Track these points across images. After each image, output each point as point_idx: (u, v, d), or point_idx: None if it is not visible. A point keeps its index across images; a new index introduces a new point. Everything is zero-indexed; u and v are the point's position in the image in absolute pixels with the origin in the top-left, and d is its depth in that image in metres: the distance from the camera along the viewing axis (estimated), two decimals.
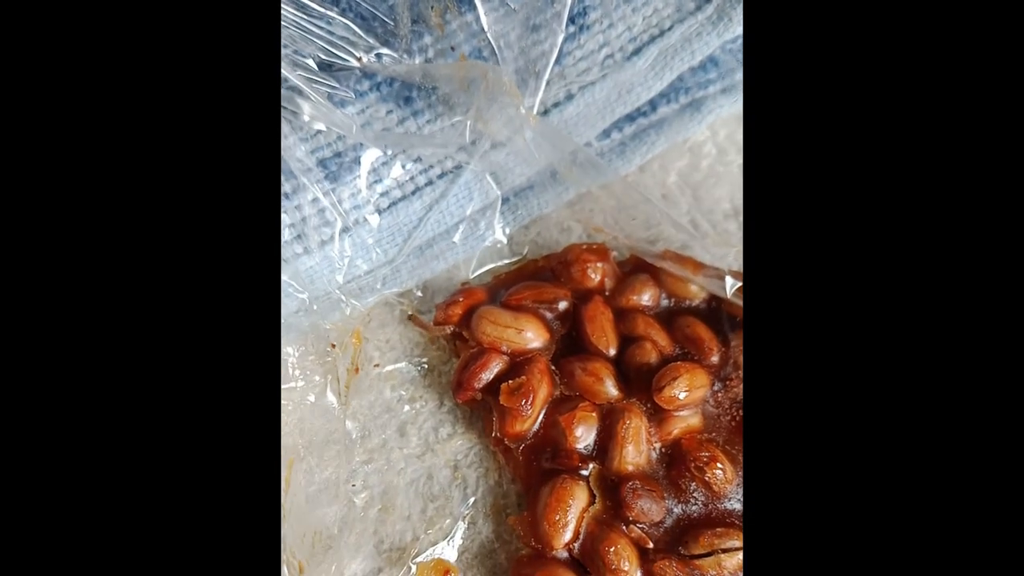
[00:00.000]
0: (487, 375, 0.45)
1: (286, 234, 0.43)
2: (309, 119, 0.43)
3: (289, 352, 0.38)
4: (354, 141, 0.45)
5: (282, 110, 0.42)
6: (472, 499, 0.44)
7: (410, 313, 0.48)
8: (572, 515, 0.42)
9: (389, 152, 0.46)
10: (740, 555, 0.42)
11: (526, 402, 0.43)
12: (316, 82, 0.43)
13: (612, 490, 0.43)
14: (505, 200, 0.49)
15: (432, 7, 0.45)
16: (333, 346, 0.40)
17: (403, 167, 0.46)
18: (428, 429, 0.46)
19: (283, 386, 0.37)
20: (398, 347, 0.47)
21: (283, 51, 0.42)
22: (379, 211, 0.46)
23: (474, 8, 0.45)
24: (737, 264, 0.47)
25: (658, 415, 0.44)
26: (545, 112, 0.48)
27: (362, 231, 0.46)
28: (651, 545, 0.42)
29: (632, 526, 0.42)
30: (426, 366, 0.47)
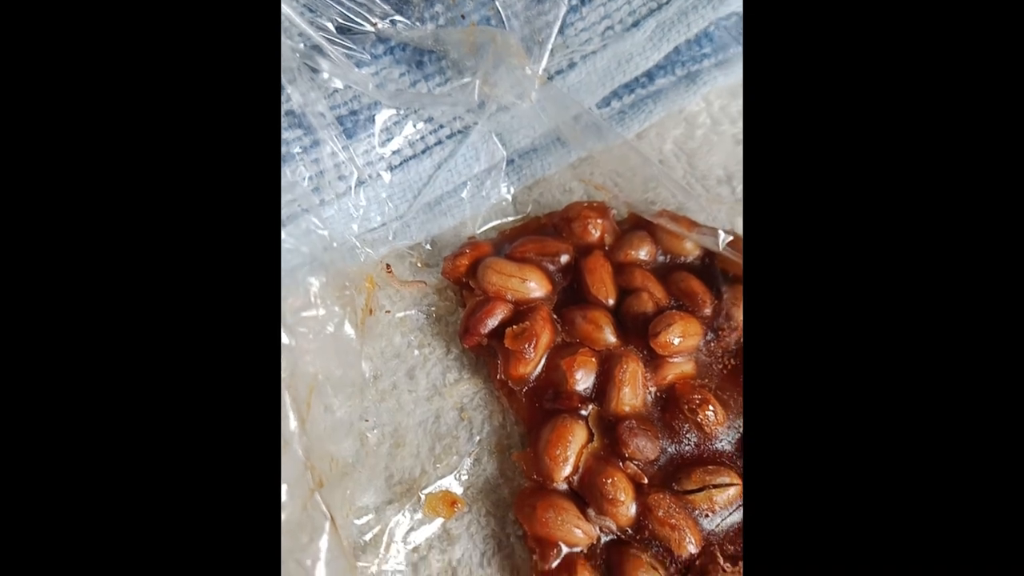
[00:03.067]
0: (492, 321, 0.47)
1: (306, 184, 0.46)
2: (328, 76, 0.46)
3: (311, 282, 0.41)
4: (370, 99, 0.48)
5: (303, 67, 0.44)
6: (477, 439, 0.47)
7: (387, 263, 0.50)
8: (572, 451, 0.44)
9: (401, 112, 0.49)
10: (731, 490, 0.44)
11: (529, 346, 0.46)
12: (335, 43, 0.46)
13: (610, 430, 0.45)
14: (510, 161, 0.52)
15: None
16: (346, 286, 0.43)
17: (414, 127, 0.49)
18: (436, 374, 0.48)
19: (304, 314, 0.40)
20: (407, 296, 0.50)
21: (305, 14, 0.45)
22: (391, 168, 0.49)
23: None
24: (729, 223, 0.50)
25: (654, 361, 0.47)
26: (549, 79, 0.51)
27: (376, 186, 0.48)
28: (646, 481, 0.44)
29: (628, 463, 0.44)
30: (434, 315, 0.50)
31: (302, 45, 0.44)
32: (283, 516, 0.34)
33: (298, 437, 0.36)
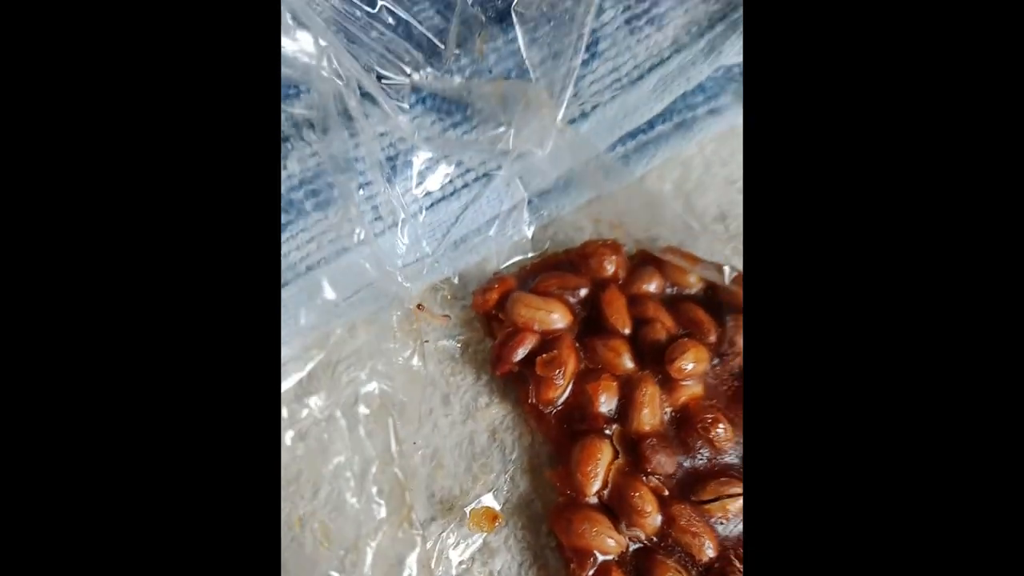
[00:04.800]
0: (522, 351, 0.52)
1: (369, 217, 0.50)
2: (377, 121, 0.49)
3: (393, 316, 0.44)
4: (405, 145, 0.52)
5: (361, 111, 0.48)
6: (511, 458, 0.51)
7: (419, 303, 0.54)
8: (601, 467, 0.49)
9: (434, 157, 0.53)
10: (740, 500, 0.50)
11: (559, 372, 0.50)
12: (383, 91, 0.50)
13: (632, 447, 0.50)
14: (529, 202, 0.57)
15: (479, 34, 0.52)
16: (414, 319, 0.46)
17: (445, 171, 0.53)
18: (468, 399, 0.52)
19: (384, 345, 0.43)
20: (438, 328, 0.54)
21: (354, 62, 0.49)
22: (422, 209, 0.53)
23: (508, 35, 0.53)
24: (725, 257, 0.56)
25: (668, 384, 0.52)
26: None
27: (413, 225, 0.52)
28: (666, 493, 0.49)
29: (650, 477, 0.49)
30: (463, 344, 0.54)
31: (359, 91, 0.48)
32: (376, 539, 0.37)
33: (397, 459, 0.40)
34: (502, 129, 0.52)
